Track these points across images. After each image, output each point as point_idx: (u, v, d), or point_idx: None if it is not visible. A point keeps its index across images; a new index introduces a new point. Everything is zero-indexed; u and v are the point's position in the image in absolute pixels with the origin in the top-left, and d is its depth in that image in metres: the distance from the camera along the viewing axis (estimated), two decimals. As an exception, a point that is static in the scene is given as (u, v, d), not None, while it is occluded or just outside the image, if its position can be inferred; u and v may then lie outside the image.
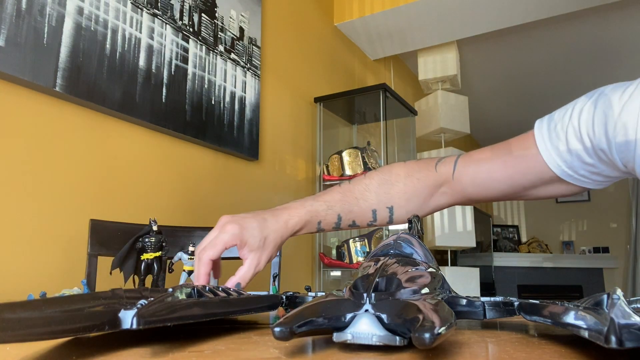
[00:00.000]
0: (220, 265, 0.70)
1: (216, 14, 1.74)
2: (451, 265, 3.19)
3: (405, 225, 0.62)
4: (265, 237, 0.67)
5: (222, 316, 0.41)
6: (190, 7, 1.62)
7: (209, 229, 1.24)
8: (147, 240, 0.79)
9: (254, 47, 1.92)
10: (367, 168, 2.25)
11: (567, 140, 0.63)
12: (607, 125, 0.59)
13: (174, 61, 1.53)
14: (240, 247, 0.66)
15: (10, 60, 1.09)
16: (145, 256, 0.78)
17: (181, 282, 0.77)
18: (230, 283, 0.65)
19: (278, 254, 1.29)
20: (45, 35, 1.17)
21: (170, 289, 0.41)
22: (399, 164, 0.78)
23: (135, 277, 0.80)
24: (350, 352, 0.32)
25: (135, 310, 0.32)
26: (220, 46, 1.74)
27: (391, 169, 0.77)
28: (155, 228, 0.80)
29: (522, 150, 0.67)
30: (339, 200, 0.74)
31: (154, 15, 1.47)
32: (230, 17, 1.81)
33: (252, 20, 1.93)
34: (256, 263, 0.67)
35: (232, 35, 1.81)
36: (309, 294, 0.56)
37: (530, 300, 0.40)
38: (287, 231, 0.70)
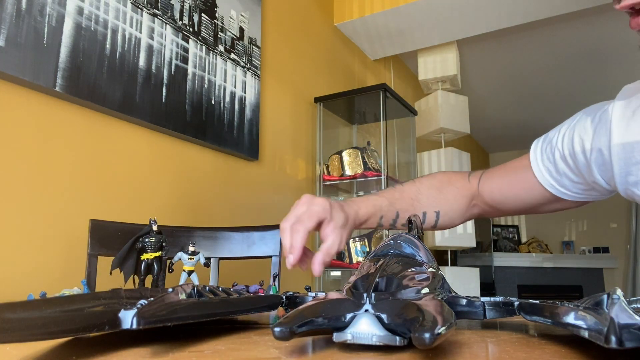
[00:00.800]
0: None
1: (216, 14, 1.74)
2: (451, 265, 3.19)
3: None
4: (347, 216, 0.68)
5: (222, 316, 0.41)
6: (190, 7, 1.62)
7: (209, 229, 1.24)
8: (147, 240, 0.79)
9: (254, 47, 1.92)
10: (367, 168, 2.25)
11: (555, 162, 0.69)
12: (584, 147, 0.64)
13: (174, 61, 1.53)
14: (327, 222, 0.64)
15: (10, 60, 1.09)
16: (145, 256, 0.78)
17: (181, 282, 0.77)
18: (317, 260, 0.62)
19: (278, 253, 1.30)
20: (45, 35, 1.17)
21: (170, 289, 0.41)
22: (441, 173, 0.84)
23: (135, 277, 0.80)
24: (350, 352, 0.32)
25: (135, 310, 0.32)
26: (220, 46, 1.74)
27: (436, 176, 0.83)
28: (155, 228, 0.80)
29: (524, 171, 0.74)
30: (398, 199, 0.78)
31: (154, 15, 1.47)
32: (230, 17, 1.81)
33: (252, 20, 1.93)
34: (339, 240, 0.65)
35: (232, 35, 1.81)
36: (309, 294, 0.56)
37: (530, 300, 0.40)
38: (358, 220, 0.73)
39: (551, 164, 0.69)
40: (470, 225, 3.00)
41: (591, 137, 0.63)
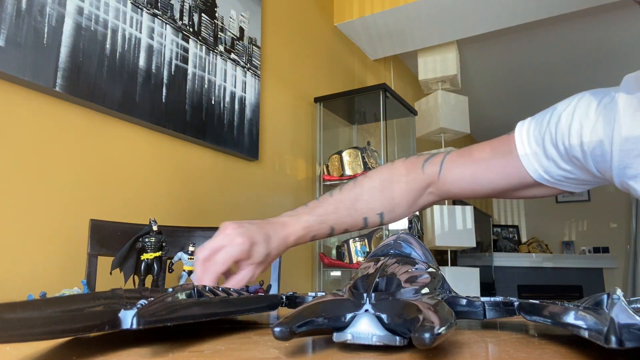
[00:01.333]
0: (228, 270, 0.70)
1: (216, 14, 1.74)
2: (451, 265, 3.19)
3: (405, 225, 0.62)
4: (268, 253, 0.68)
5: (222, 316, 0.41)
6: (190, 7, 1.62)
7: (209, 229, 1.24)
8: (147, 240, 0.79)
9: (254, 47, 1.92)
10: (367, 168, 2.25)
11: (544, 146, 0.64)
12: (583, 135, 0.60)
13: (174, 61, 1.53)
14: (242, 260, 0.66)
15: (10, 60, 1.09)
16: (145, 256, 0.78)
17: (181, 282, 0.77)
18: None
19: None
20: (45, 35, 1.17)
21: (170, 289, 0.41)
22: (387, 168, 0.79)
23: (135, 277, 0.80)
24: (350, 352, 0.32)
25: (135, 310, 0.32)
26: (220, 46, 1.74)
27: (380, 174, 0.78)
28: (155, 228, 0.80)
29: (504, 154, 0.69)
30: (332, 213, 0.75)
31: (154, 15, 1.47)
32: (230, 17, 1.81)
33: (252, 20, 1.93)
34: (251, 275, 0.67)
35: (232, 35, 1.81)
36: (309, 294, 0.56)
37: (530, 300, 0.40)
38: (285, 248, 0.72)
39: (539, 147, 0.65)
40: (470, 224, 3.00)
41: (592, 125, 0.59)
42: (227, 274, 0.67)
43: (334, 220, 0.75)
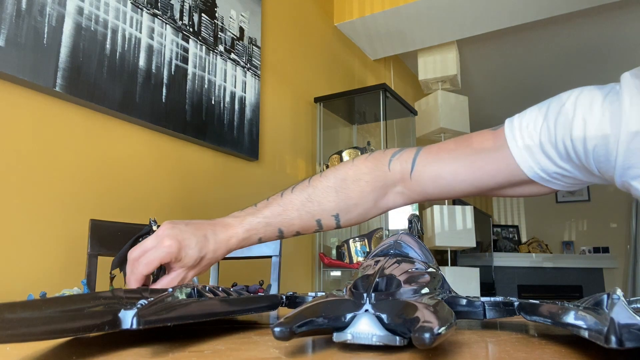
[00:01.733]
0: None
1: (216, 14, 1.74)
2: (451, 265, 3.19)
3: (405, 225, 0.62)
4: (203, 257, 0.65)
5: (222, 316, 0.41)
6: (190, 7, 1.62)
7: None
8: (147, 240, 0.78)
9: (254, 47, 1.92)
10: (367, 168, 2.24)
11: (540, 142, 0.60)
12: (587, 132, 0.57)
13: (174, 61, 1.53)
14: (172, 262, 0.62)
15: (10, 60, 1.09)
16: (145, 256, 0.78)
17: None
18: None
19: (278, 253, 1.30)
20: (45, 35, 1.17)
21: (170, 289, 0.41)
22: (346, 165, 0.74)
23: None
24: (350, 352, 0.32)
25: (135, 310, 0.32)
26: (220, 46, 1.74)
27: (337, 173, 0.73)
28: (155, 228, 0.79)
29: (491, 150, 0.64)
30: (279, 214, 0.71)
31: (154, 15, 1.47)
32: (230, 17, 1.81)
33: (252, 20, 1.93)
34: (180, 278, 0.64)
35: (232, 35, 1.81)
36: (309, 294, 0.56)
37: (530, 300, 0.40)
38: (226, 251, 0.68)
39: (535, 144, 0.61)
40: (470, 224, 3.00)
41: (598, 121, 0.56)
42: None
43: (282, 222, 0.70)
